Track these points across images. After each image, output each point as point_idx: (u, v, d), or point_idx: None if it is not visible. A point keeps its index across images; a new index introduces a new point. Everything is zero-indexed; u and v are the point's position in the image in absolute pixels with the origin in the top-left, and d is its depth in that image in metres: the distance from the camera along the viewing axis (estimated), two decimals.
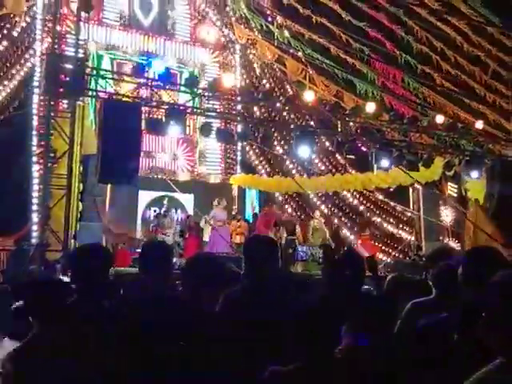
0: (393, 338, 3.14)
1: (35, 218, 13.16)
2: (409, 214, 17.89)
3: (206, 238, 14.12)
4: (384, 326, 3.06)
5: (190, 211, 15.39)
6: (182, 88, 12.49)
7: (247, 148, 17.21)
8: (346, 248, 13.74)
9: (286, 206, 17.33)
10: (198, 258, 3.41)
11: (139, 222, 14.96)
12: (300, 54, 16.90)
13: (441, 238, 16.33)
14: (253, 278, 3.28)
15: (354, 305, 3.05)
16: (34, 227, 13.09)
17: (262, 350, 2.68)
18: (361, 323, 2.84)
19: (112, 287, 3.90)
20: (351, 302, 3.08)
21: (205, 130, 11.72)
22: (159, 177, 15.90)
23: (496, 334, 1.68)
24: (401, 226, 18.14)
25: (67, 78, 9.64)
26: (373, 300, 3.58)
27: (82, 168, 10.40)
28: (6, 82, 14.27)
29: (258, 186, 16.36)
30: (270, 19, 17.70)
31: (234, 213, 16.10)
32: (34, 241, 12.76)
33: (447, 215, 17.26)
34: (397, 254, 17.28)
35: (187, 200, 15.91)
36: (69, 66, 9.63)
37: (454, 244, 16.51)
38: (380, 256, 16.15)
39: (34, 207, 13.22)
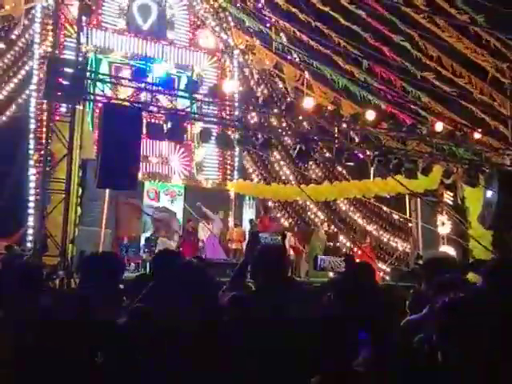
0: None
1: (31, 222, 13.10)
2: (405, 222, 17.90)
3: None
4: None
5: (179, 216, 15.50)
6: (181, 93, 12.43)
7: (245, 154, 17.17)
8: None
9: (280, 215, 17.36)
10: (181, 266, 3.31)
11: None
12: (297, 59, 16.92)
13: (438, 246, 16.32)
14: (261, 283, 3.26)
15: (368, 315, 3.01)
16: (30, 231, 13.03)
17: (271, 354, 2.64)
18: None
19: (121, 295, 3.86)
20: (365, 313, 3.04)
21: (204, 135, 11.66)
22: (156, 181, 15.90)
23: None
24: (397, 233, 18.15)
25: (66, 82, 9.55)
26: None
27: (81, 172, 10.31)
28: (3, 85, 14.18)
29: (255, 192, 16.32)
30: (268, 25, 17.73)
31: (230, 219, 16.11)
32: (29, 245, 12.70)
33: (444, 223, 17.27)
34: (393, 262, 17.27)
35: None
36: (68, 70, 9.54)
37: (452, 252, 16.53)
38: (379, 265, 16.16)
39: (30, 211, 13.16)
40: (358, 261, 11.94)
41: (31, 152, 13.74)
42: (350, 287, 3.22)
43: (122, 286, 5.46)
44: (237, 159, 17.33)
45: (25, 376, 1.92)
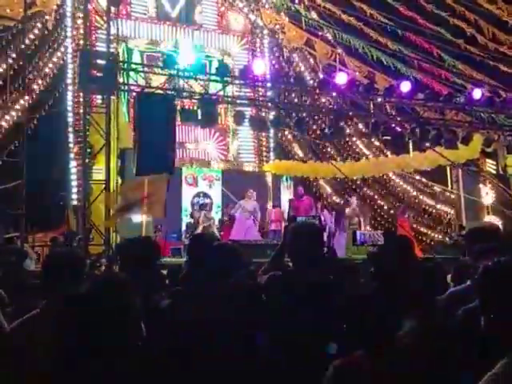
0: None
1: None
2: (447, 194, 17.56)
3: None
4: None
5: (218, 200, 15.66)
6: (213, 77, 12.45)
7: (280, 134, 17.10)
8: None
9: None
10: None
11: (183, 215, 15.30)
12: (329, 35, 16.67)
13: (482, 216, 15.99)
14: (296, 261, 3.25)
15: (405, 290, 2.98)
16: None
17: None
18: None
19: (161, 279, 3.93)
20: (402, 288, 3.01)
21: (238, 118, 11.68)
22: (194, 167, 16.07)
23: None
24: (440, 206, 17.83)
25: (100, 74, 9.70)
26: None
27: (119, 162, 10.49)
28: (39, 81, 14.47)
29: (293, 171, 16.25)
30: (297, 1, 17.51)
31: (269, 200, 16.15)
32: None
33: (487, 193, 16.87)
34: (437, 235, 17.03)
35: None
36: (101, 62, 9.68)
37: (497, 222, 16.16)
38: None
39: (74, 203, 13.51)
40: (397, 234, 11.83)
41: (71, 145, 14.05)
42: (387, 261, 3.19)
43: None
44: (272, 140, 17.29)
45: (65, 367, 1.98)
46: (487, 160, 15.56)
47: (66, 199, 13.21)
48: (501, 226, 14.58)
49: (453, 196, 17.00)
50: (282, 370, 2.47)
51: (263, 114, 13.57)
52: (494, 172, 15.87)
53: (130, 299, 2.06)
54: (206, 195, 15.96)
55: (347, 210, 14.37)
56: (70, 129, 14.23)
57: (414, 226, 16.39)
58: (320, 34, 16.83)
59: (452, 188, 16.97)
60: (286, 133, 16.94)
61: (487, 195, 16.73)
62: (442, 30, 14.95)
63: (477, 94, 11.76)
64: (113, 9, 11.37)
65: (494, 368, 1.58)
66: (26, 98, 12.39)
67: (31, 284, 5.56)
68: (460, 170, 16.04)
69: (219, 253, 3.11)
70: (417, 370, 2.31)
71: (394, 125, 12.20)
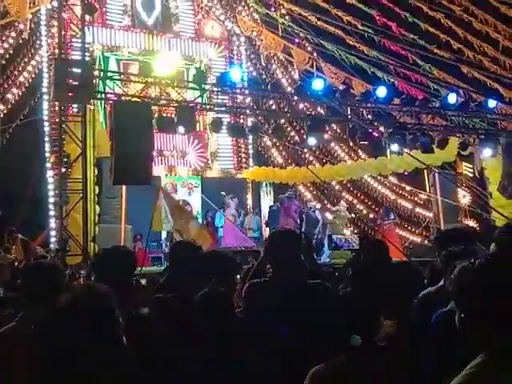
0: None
1: (52, 223, 13.28)
2: (425, 197, 17.75)
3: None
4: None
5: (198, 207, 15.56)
6: (191, 84, 12.44)
7: (259, 141, 17.14)
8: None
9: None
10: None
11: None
12: (306, 42, 16.78)
13: (459, 219, 16.15)
14: (276, 270, 3.25)
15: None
16: (52, 233, 13.21)
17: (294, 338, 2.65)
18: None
19: (137, 289, 3.90)
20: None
21: (215, 125, 11.68)
22: (173, 175, 15.99)
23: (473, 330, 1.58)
24: (417, 209, 18.03)
25: (76, 82, 9.61)
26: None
27: (96, 171, 10.39)
28: (14, 90, 14.32)
29: (272, 178, 16.29)
30: (273, 9, 17.60)
31: (248, 207, 16.14)
32: (52, 246, 12.88)
33: (464, 196, 17.06)
34: (415, 238, 17.20)
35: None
36: (76, 70, 9.60)
37: (473, 224, 16.34)
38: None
39: (51, 213, 13.33)
40: (372, 238, 11.90)
41: (47, 154, 13.90)
42: (362, 265, 3.21)
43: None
44: (251, 147, 17.31)
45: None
46: (464, 163, 15.76)
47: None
48: (477, 229, 14.81)
49: (431, 199, 17.16)
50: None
51: (241, 121, 13.58)
52: (471, 175, 16.07)
53: (114, 308, 2.04)
54: (185, 203, 15.86)
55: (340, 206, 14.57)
56: (46, 138, 14.09)
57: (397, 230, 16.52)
58: (297, 40, 16.94)
59: (430, 191, 17.14)
60: (265, 139, 16.98)
61: (464, 198, 16.92)
62: (416, 37, 15.16)
63: (452, 98, 11.93)
64: (88, 17, 11.29)
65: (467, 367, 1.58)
66: (1, 107, 12.24)
67: (8, 296, 5.49)
68: (437, 174, 16.21)
69: (204, 259, 3.11)
70: (397, 370, 2.33)
71: (370, 130, 12.31)
